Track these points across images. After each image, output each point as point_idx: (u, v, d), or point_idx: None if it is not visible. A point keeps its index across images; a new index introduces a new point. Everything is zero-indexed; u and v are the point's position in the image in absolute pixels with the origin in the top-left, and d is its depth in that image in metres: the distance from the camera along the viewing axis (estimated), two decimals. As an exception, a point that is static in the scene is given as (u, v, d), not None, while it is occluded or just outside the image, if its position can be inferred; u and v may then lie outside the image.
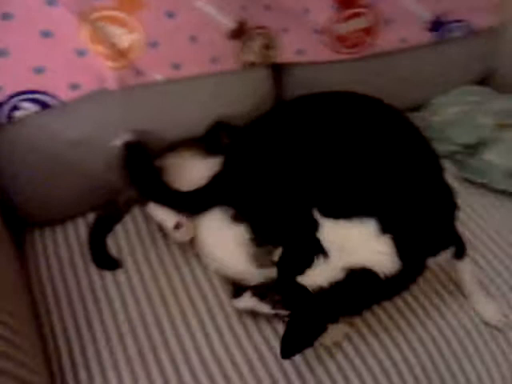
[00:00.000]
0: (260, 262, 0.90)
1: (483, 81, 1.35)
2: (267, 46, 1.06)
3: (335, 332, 0.89)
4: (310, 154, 0.89)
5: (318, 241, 0.76)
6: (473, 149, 1.20)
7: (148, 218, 1.04)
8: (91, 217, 1.05)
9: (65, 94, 0.92)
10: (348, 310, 0.79)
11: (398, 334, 0.92)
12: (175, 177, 0.98)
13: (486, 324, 0.95)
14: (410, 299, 0.96)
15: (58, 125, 0.94)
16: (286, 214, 0.87)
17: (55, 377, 0.85)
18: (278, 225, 0.89)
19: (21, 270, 0.96)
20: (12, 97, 0.89)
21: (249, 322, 0.92)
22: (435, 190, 0.87)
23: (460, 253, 0.93)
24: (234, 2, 0.99)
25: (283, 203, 0.89)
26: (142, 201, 1.00)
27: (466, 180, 1.18)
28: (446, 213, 0.87)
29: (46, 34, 0.87)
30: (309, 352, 0.88)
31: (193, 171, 0.99)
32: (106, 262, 1.00)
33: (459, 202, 0.89)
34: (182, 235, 0.94)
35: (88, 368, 0.86)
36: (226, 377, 0.86)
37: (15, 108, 0.90)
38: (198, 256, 0.99)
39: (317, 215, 0.79)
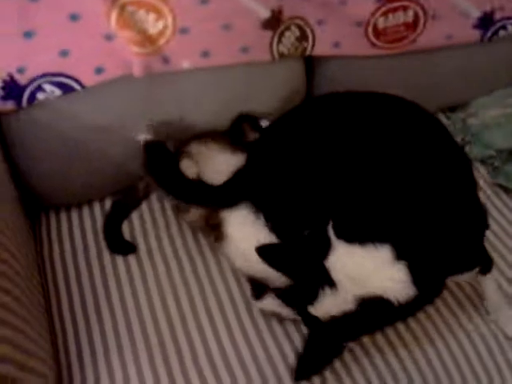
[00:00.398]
0: None
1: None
2: (302, 38, 1.01)
3: None
4: (332, 158, 0.84)
5: (325, 270, 0.73)
6: (510, 154, 1.15)
7: (164, 207, 1.03)
8: (108, 203, 1.04)
9: (89, 79, 0.90)
10: (361, 333, 0.77)
11: (415, 346, 0.90)
12: (200, 165, 0.96)
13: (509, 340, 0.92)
14: (431, 311, 0.93)
15: (80, 110, 0.93)
16: (300, 223, 0.84)
17: (60, 359, 0.86)
18: (293, 229, 0.87)
19: (34, 252, 0.97)
20: (35, 79, 0.87)
21: (259, 317, 0.91)
22: (464, 208, 0.82)
23: (485, 269, 0.89)
24: (270, -9, 0.94)
25: (301, 208, 0.85)
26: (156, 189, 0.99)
27: (500, 186, 1.13)
28: (473, 234, 0.83)
29: (74, 17, 0.85)
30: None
31: (217, 164, 0.97)
32: (121, 246, 0.99)
33: (490, 209, 0.85)
34: (192, 215, 0.94)
35: (93, 352, 0.86)
36: (230, 372, 0.85)
37: (38, 90, 0.88)
38: (211, 247, 0.98)
39: (331, 234, 0.75)
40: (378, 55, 1.07)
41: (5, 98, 0.88)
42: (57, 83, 0.89)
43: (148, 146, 0.93)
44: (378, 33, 1.05)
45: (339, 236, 0.75)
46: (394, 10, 1.03)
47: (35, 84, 0.88)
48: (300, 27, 1.00)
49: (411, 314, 0.81)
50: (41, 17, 0.83)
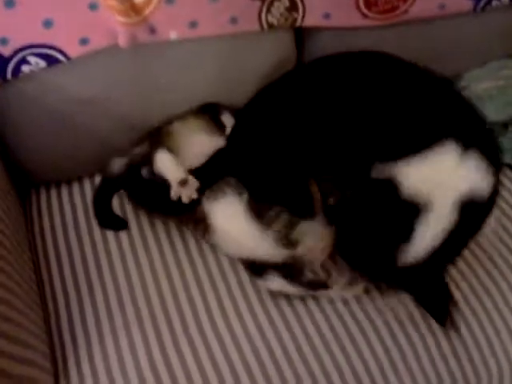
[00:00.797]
0: (280, 241, 0.88)
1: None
2: (291, 8, 0.99)
3: (356, 286, 0.88)
4: (322, 124, 0.83)
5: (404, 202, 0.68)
6: (503, 127, 1.14)
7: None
8: (98, 179, 1.03)
9: (74, 50, 0.88)
10: (465, 245, 0.75)
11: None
12: (179, 146, 0.95)
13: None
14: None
15: (66, 82, 0.91)
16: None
17: (53, 337, 0.85)
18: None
19: (25, 229, 0.96)
20: (19, 51, 0.86)
21: (248, 288, 0.91)
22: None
23: None
24: (258, -41, 0.92)
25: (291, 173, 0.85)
26: (150, 162, 0.97)
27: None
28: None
29: (56, -14, 0.83)
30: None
31: (197, 145, 0.96)
32: (111, 221, 0.99)
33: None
34: (186, 192, 0.92)
35: (86, 331, 0.86)
36: (223, 348, 0.85)
37: (23, 63, 0.87)
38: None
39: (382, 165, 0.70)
40: (370, 26, 1.06)
41: (-11, 70, 0.87)
42: (41, 55, 0.87)
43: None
44: (369, 3, 1.02)
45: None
46: (384, -21, 1.01)
47: (19, 56, 0.86)
48: (290, -3, 0.99)
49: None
50: (21, -15, 0.81)
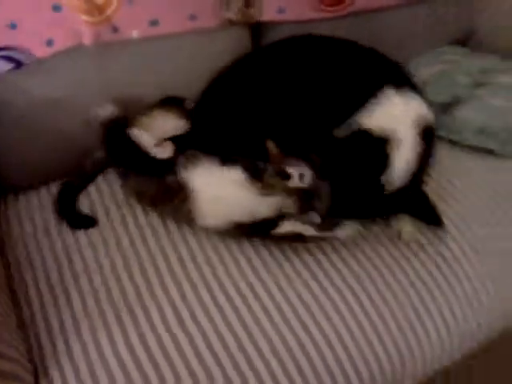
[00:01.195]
0: (268, 192, 0.90)
1: (463, 42, 1.35)
2: (248, 4, 1.04)
3: (350, 227, 0.91)
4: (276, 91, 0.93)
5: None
6: (448, 107, 1.21)
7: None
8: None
9: (40, 51, 0.90)
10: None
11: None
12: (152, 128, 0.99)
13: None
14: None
15: (33, 83, 0.93)
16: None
17: (32, 347, 0.83)
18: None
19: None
20: (-15, 53, 0.87)
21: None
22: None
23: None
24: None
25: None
26: (109, 164, 1.01)
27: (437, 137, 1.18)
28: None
29: (19, -12, 0.85)
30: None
31: (161, 128, 1.00)
32: (79, 221, 0.97)
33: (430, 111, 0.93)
34: (162, 151, 0.96)
35: (64, 333, 0.83)
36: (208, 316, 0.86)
37: (-12, 65, 0.88)
38: (173, 218, 0.98)
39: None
40: (322, 18, 1.12)
41: (-43, 74, 0.87)
42: (7, 57, 0.88)
43: (106, 122, 0.95)
44: (319, -3, 1.09)
45: None
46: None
47: (-15, 59, 0.87)
48: (246, -7, 1.03)
49: None
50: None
